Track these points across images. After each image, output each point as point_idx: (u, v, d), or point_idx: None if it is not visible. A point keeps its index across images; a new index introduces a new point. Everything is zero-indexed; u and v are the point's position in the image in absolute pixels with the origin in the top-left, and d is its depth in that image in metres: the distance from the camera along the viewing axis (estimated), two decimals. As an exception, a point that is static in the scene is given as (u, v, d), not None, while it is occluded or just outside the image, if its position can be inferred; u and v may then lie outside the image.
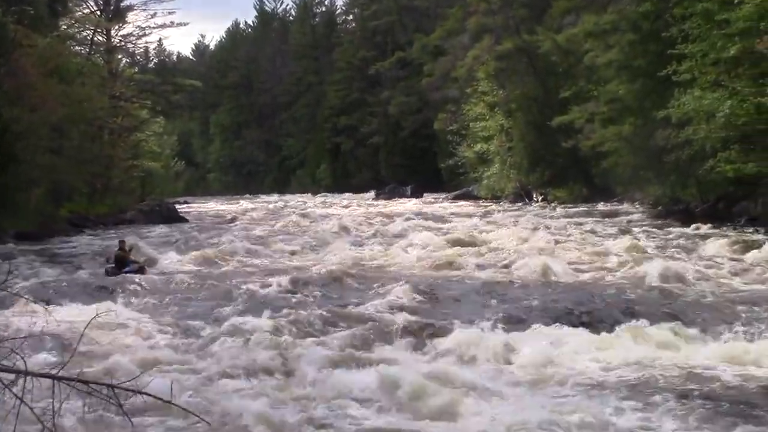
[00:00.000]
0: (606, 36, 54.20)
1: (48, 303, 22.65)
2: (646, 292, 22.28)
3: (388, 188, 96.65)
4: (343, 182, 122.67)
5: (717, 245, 32.42)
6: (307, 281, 25.63)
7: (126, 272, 26.80)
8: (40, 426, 10.13)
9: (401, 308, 21.17)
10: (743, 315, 19.20)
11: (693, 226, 40.52)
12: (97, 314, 18.10)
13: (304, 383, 14.66)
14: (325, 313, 20.50)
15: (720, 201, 43.45)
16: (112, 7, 70.59)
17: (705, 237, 35.94)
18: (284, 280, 25.72)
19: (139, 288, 25.66)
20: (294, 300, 22.59)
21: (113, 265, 27.70)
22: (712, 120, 39.92)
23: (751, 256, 28.82)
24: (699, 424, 12.05)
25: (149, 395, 10.54)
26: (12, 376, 7.48)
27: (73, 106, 50.40)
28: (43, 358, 15.55)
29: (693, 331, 17.62)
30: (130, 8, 72.07)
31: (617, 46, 52.15)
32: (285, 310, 20.83)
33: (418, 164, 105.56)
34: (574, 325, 18.59)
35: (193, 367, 15.77)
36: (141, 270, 27.38)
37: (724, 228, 39.39)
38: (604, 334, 17.77)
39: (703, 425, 12.03)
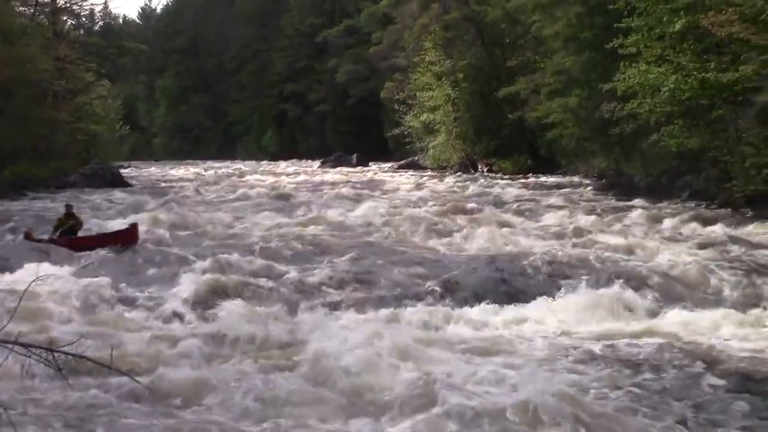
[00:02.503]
0: (553, 8, 54.35)
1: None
2: (574, 263, 22.44)
3: (334, 156, 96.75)
4: (289, 149, 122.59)
5: (655, 218, 32.88)
6: (247, 248, 25.68)
7: (105, 235, 24.77)
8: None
9: (343, 279, 21.33)
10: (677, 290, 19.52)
11: (635, 199, 40.97)
12: (37, 277, 18.16)
13: (244, 350, 14.72)
14: (263, 280, 20.65)
15: (663, 175, 43.70)
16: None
17: (645, 210, 36.28)
18: (226, 246, 25.79)
19: (82, 252, 25.62)
20: (234, 266, 22.56)
21: (54, 232, 24.75)
22: (657, 94, 40.10)
23: (688, 229, 29.31)
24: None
25: (88, 359, 10.54)
26: None
27: (17, 67, 50.06)
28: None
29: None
30: (75, -31, 71.62)
31: (564, 18, 52.33)
32: (226, 277, 20.90)
33: (364, 133, 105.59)
34: (502, 298, 18.86)
35: (134, 333, 15.77)
36: (133, 231, 24.52)
37: (666, 201, 39.74)
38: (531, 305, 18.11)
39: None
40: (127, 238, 23.25)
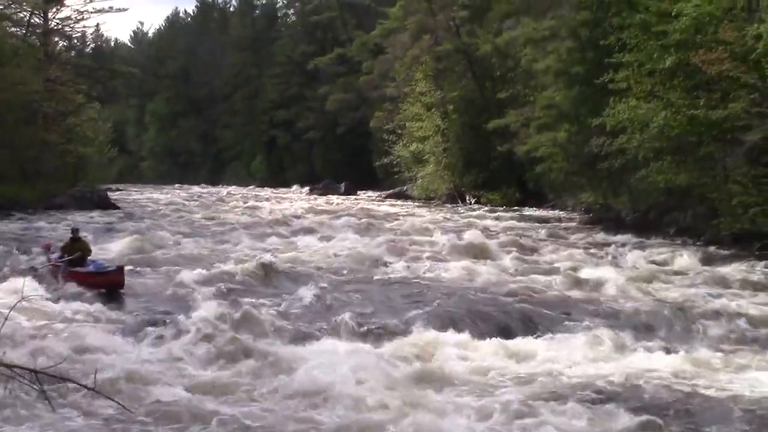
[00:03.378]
0: (544, 42, 54.51)
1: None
2: (556, 300, 22.45)
3: (322, 184, 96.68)
4: (278, 176, 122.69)
5: (641, 255, 32.86)
6: (234, 274, 25.61)
7: (90, 272, 21.63)
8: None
9: (328, 306, 21.29)
10: (655, 327, 19.54)
11: (622, 235, 41.02)
12: (22, 298, 18.08)
13: (228, 379, 14.71)
14: (251, 307, 20.47)
15: (651, 210, 43.83)
16: (48, -9, 69.99)
17: (631, 245, 36.31)
18: (213, 271, 25.75)
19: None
20: (221, 293, 22.58)
21: (62, 261, 21.98)
22: (646, 130, 40.22)
23: (674, 266, 29.34)
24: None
25: (72, 381, 10.49)
26: None
27: (8, 88, 50.12)
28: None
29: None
30: (66, -7, 71.56)
31: (555, 52, 52.46)
32: (213, 302, 20.86)
33: (353, 161, 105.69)
34: (488, 333, 18.76)
35: (119, 356, 15.70)
36: (119, 273, 21.51)
37: (653, 237, 39.78)
38: (517, 339, 18.17)
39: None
40: (112, 279, 21.50)
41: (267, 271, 26.27)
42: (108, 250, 31.59)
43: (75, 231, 23.06)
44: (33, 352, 14.95)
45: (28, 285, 22.76)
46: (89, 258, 21.93)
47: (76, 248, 21.72)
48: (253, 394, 13.91)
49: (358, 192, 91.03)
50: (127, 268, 23.13)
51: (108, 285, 21.47)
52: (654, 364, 16.27)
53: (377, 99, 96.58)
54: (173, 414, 12.79)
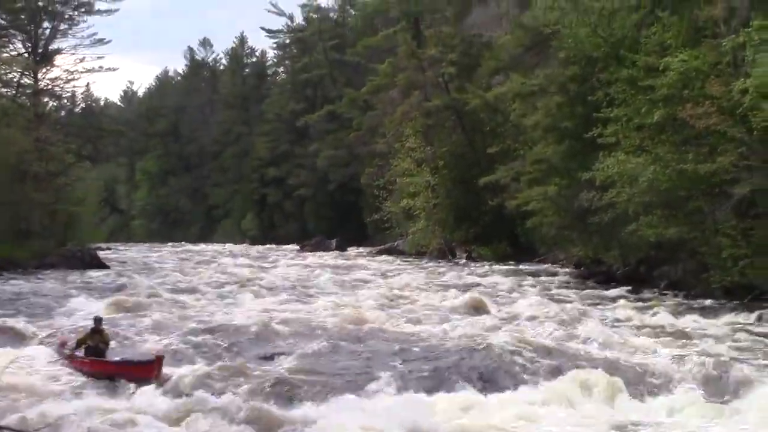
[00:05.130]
0: (533, 97, 54.76)
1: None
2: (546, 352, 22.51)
3: (313, 241, 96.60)
4: (269, 233, 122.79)
5: (630, 309, 32.95)
6: (222, 333, 25.59)
7: (118, 364, 18.65)
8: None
9: (311, 366, 21.32)
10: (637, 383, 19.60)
11: (613, 289, 41.15)
12: (10, 362, 18.14)
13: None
14: (236, 365, 20.59)
15: (641, 264, 43.91)
16: (40, 50, 70.15)
17: (621, 300, 36.42)
18: (200, 331, 25.70)
19: (53, 334, 25.51)
20: (208, 351, 22.63)
21: (84, 349, 19.43)
22: (635, 184, 40.35)
23: (664, 320, 29.44)
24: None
25: None
26: None
27: (-2, 149, 50.36)
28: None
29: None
30: (58, 51, 71.91)
31: (544, 107, 52.68)
32: (198, 361, 21.10)
33: (344, 217, 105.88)
34: (484, 387, 18.86)
35: (106, 416, 15.74)
36: (157, 364, 18.35)
37: (644, 291, 39.87)
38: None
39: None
40: (147, 371, 18.16)
41: (248, 331, 26.23)
42: (92, 312, 31.04)
43: (97, 321, 20.21)
44: (24, 413, 14.88)
45: (15, 346, 23.00)
46: (114, 353, 19.63)
47: (96, 340, 19.32)
48: None
49: (349, 248, 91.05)
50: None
51: (142, 373, 18.28)
52: (637, 414, 16.54)
53: (367, 155, 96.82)
54: None
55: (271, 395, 18.11)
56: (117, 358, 18.53)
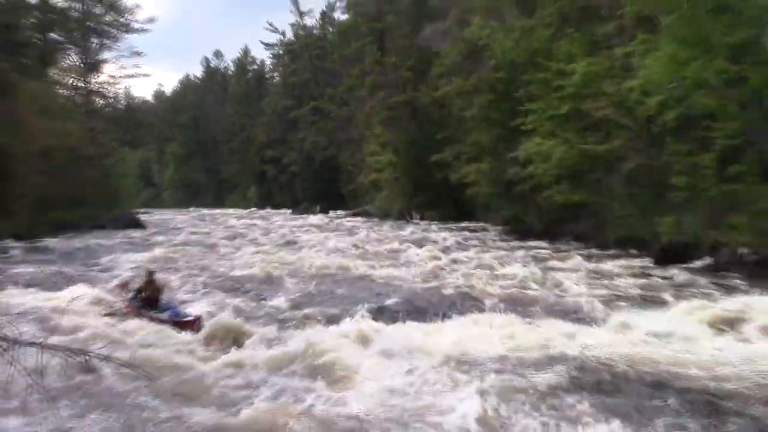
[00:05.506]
0: (470, 95, 54.72)
1: (36, 287, 22.54)
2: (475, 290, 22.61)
3: (302, 206, 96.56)
4: (267, 200, 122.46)
5: (544, 256, 33.27)
6: (235, 277, 25.65)
7: (166, 317, 17.46)
8: (26, 387, 10.07)
9: (302, 301, 21.39)
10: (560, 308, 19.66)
11: (532, 241, 41.30)
12: (72, 299, 18.05)
13: (237, 351, 14.74)
14: (251, 302, 20.71)
15: (553, 222, 44.02)
16: (90, 61, 69.68)
17: (537, 249, 36.64)
18: (217, 276, 25.76)
19: (107, 276, 25.52)
20: (225, 290, 22.63)
21: (138, 300, 18.59)
22: (549, 161, 40.53)
23: (569, 264, 29.67)
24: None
25: (114, 360, 10.57)
26: (6, 344, 7.46)
27: (58, 137, 50.13)
28: (31, 331, 15.27)
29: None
30: (104, 61, 71.31)
31: (478, 103, 52.69)
32: (217, 298, 21.08)
33: (326, 188, 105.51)
34: (424, 317, 18.77)
35: (149, 341, 15.69)
36: (190, 324, 17.12)
37: (556, 243, 40.06)
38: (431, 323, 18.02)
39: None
40: (190, 327, 17.31)
41: (253, 276, 26.31)
42: (135, 261, 31.39)
43: (150, 273, 19.19)
44: (85, 339, 14.91)
45: (78, 285, 22.91)
46: (165, 301, 18.47)
47: (150, 289, 18.58)
48: (266, 364, 13.87)
49: (330, 212, 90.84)
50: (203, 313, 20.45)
51: (187, 328, 17.50)
52: (552, 334, 16.40)
53: (343, 140, 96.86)
54: (189, 385, 12.80)
55: (276, 321, 18.21)
56: (167, 314, 17.56)
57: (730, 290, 21.91)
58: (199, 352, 14.91)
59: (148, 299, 18.07)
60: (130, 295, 18.79)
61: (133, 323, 17.03)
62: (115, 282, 20.38)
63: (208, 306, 19.54)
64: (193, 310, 18.37)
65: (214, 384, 12.65)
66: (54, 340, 8.58)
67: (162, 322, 17.01)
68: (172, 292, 20.17)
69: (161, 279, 19.48)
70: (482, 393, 11.90)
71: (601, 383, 12.66)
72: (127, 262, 31.15)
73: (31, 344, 7.80)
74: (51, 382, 11.01)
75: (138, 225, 61.14)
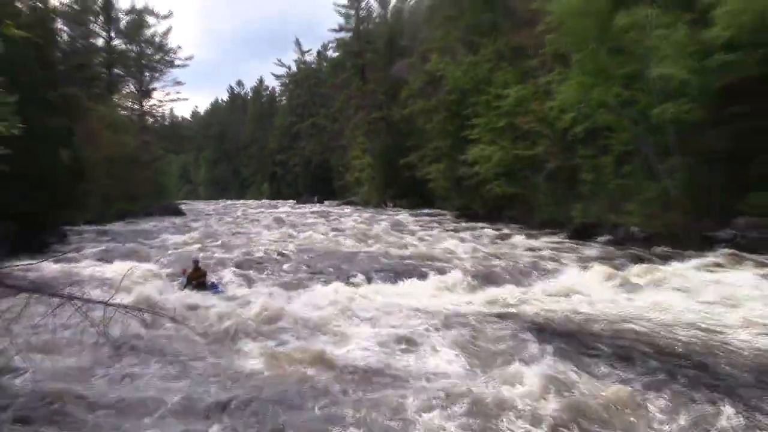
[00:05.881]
0: (431, 113, 54.78)
1: (103, 260, 22.62)
2: (430, 258, 22.80)
3: (303, 197, 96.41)
4: (277, 194, 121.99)
5: (485, 233, 33.36)
6: (255, 252, 25.65)
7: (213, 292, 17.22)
8: (94, 337, 10.16)
9: (303, 268, 21.53)
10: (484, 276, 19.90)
11: (477, 223, 41.44)
12: (129, 270, 18.13)
13: (260, 300, 14.62)
14: (263, 270, 20.72)
15: (493, 209, 44.18)
16: (143, 89, 69.67)
17: (480, 228, 36.81)
18: (243, 252, 25.81)
19: (155, 253, 25.57)
20: (248, 262, 22.66)
21: (188, 285, 17.84)
22: (490, 162, 40.71)
23: (506, 241, 29.83)
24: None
25: (160, 314, 10.71)
26: (79, 303, 7.60)
27: (118, 146, 50.25)
28: (98, 292, 15.35)
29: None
30: (154, 89, 71.10)
31: (437, 119, 52.74)
32: (244, 261, 21.11)
33: (321, 184, 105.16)
34: (391, 279, 18.91)
35: (190, 301, 15.82)
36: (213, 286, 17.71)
37: (494, 224, 40.22)
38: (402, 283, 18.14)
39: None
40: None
41: (270, 253, 26.38)
42: (177, 241, 31.31)
43: (196, 261, 18.67)
44: (141, 299, 14.81)
45: (137, 260, 22.98)
46: (210, 282, 17.92)
47: (197, 275, 17.91)
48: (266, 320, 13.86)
49: (325, 202, 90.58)
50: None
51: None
52: (467, 296, 16.53)
53: (334, 147, 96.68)
54: (221, 331, 12.84)
55: (284, 286, 18.18)
56: (210, 293, 16.98)
57: (625, 258, 22.25)
58: (223, 308, 14.77)
59: (196, 282, 17.64)
60: (184, 281, 18.04)
61: (182, 293, 16.92)
62: (181, 268, 19.31)
63: (233, 276, 19.68)
64: (226, 283, 18.33)
65: (236, 334, 12.75)
66: (115, 300, 8.74)
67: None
68: (214, 272, 19.83)
69: (204, 265, 19.10)
70: (444, 337, 12.13)
71: (532, 329, 12.86)
72: (171, 241, 31.24)
73: (98, 302, 7.92)
74: (113, 333, 11.06)
75: (179, 212, 60.98)
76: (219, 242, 29.99)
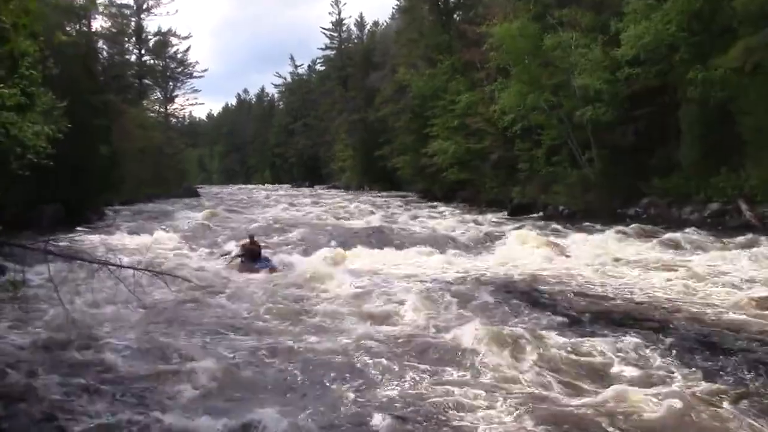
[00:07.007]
0: (399, 114, 54.62)
1: (134, 233, 22.44)
2: (400, 232, 22.82)
3: (297, 183, 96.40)
4: (276, 180, 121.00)
5: (444, 212, 33.39)
6: (260, 226, 25.50)
7: (258, 267, 15.29)
8: (126, 298, 9.93)
9: (299, 238, 21.44)
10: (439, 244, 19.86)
11: (436, 203, 41.50)
12: (153, 240, 17.81)
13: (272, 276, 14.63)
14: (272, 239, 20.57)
15: (449, 191, 44.18)
16: (168, 96, 69.01)
17: (438, 207, 36.89)
18: (248, 222, 25.67)
19: (177, 227, 25.37)
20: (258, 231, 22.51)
21: (242, 256, 15.97)
22: (446, 154, 40.71)
23: (460, 218, 29.90)
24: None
25: (182, 278, 10.57)
26: (114, 268, 7.43)
27: (147, 141, 49.92)
28: (129, 259, 15.19)
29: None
30: (176, 96, 70.09)
31: (404, 119, 52.58)
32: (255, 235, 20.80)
33: (312, 172, 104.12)
34: (373, 246, 18.67)
35: (208, 265, 15.71)
36: (273, 270, 15.21)
37: (450, 204, 40.30)
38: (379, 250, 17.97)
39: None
40: (273, 271, 15.05)
41: (271, 224, 26.25)
42: (194, 218, 30.59)
43: (251, 236, 16.65)
44: (168, 266, 14.59)
45: (161, 231, 22.74)
46: (264, 257, 16.01)
47: (251, 248, 15.96)
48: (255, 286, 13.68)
49: (315, 186, 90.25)
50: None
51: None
52: (427, 261, 16.54)
53: (322, 142, 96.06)
54: (228, 290, 12.64)
55: (287, 251, 17.85)
56: (258, 265, 15.24)
57: (554, 230, 22.42)
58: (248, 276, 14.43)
59: (250, 254, 15.77)
60: (237, 251, 16.40)
61: (207, 263, 16.33)
62: (224, 254, 17.36)
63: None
64: (276, 260, 16.29)
65: (248, 290, 12.69)
66: (143, 265, 8.61)
67: (254, 270, 15.03)
68: (270, 249, 17.98)
69: (259, 242, 16.83)
70: (407, 293, 12.12)
71: (477, 287, 12.80)
72: (191, 217, 30.92)
73: (129, 267, 7.80)
74: (142, 295, 10.82)
75: (197, 194, 60.55)
76: (230, 218, 29.83)
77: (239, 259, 15.82)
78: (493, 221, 27.36)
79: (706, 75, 22.38)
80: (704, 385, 6.83)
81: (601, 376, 7.47)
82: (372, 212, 32.95)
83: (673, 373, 7.38)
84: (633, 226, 21.39)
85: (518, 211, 30.94)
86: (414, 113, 49.34)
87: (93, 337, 9.05)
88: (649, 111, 26.83)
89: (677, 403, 6.29)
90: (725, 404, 6.31)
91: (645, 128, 27.31)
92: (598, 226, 22.05)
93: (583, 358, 7.95)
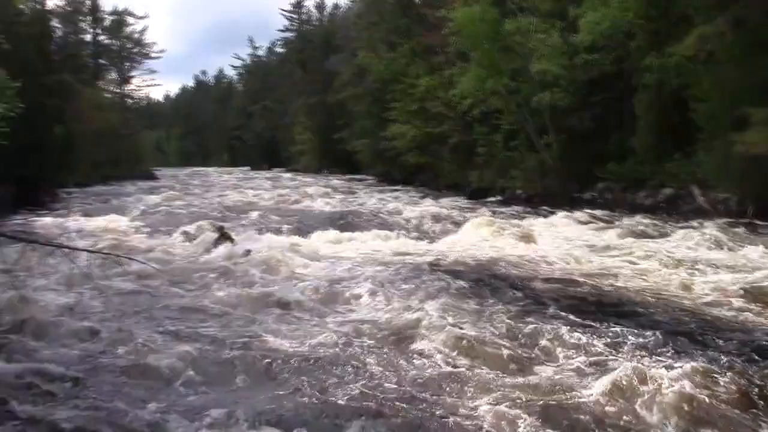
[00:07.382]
0: (359, 98, 54.40)
1: (89, 216, 21.87)
2: (360, 214, 22.70)
3: (256, 165, 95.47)
4: (234, 163, 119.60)
5: (402, 195, 33.42)
6: (225, 207, 25.20)
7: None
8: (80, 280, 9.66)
9: (258, 221, 21.16)
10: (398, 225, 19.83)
11: (395, 186, 41.51)
12: (107, 222, 17.32)
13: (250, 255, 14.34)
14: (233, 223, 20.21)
15: (408, 175, 44.34)
16: (124, 76, 67.42)
17: (398, 191, 36.90)
18: (213, 208, 25.30)
19: (134, 209, 24.84)
20: (220, 215, 22.16)
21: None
22: (405, 138, 40.67)
23: (418, 201, 29.92)
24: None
25: (138, 261, 10.29)
26: (68, 250, 7.20)
27: (103, 122, 48.87)
28: (84, 242, 14.75)
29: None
30: (132, 76, 68.46)
31: (365, 103, 52.42)
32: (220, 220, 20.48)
33: (271, 155, 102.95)
34: (339, 229, 18.36)
35: (166, 249, 15.34)
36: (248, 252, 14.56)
37: (409, 187, 40.39)
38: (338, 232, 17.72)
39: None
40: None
41: (229, 207, 25.90)
42: (154, 198, 30.20)
43: (221, 228, 16.55)
44: (119, 247, 14.03)
45: (115, 214, 22.13)
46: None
47: (225, 238, 15.54)
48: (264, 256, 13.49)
49: (273, 169, 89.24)
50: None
51: None
52: (385, 245, 16.58)
53: (281, 125, 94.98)
54: (195, 277, 12.33)
55: (247, 235, 17.15)
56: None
57: (511, 214, 22.54)
58: (203, 255, 14.16)
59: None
60: (214, 235, 16.01)
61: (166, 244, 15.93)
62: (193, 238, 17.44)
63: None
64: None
65: (208, 275, 12.34)
66: (98, 249, 8.27)
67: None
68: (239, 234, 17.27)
69: (228, 230, 16.53)
70: (371, 279, 12.02)
71: (432, 270, 12.76)
72: (148, 199, 30.33)
73: (84, 250, 7.56)
74: (95, 275, 10.51)
75: (153, 177, 59.09)
76: (189, 202, 29.29)
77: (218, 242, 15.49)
78: (452, 205, 27.39)
79: (661, 62, 22.64)
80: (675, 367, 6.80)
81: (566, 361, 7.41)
82: (330, 195, 32.70)
83: (632, 351, 7.36)
84: (587, 210, 21.62)
85: (477, 195, 31.09)
86: (373, 97, 49.17)
87: (47, 323, 8.64)
88: (605, 97, 27.08)
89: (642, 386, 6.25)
90: (704, 389, 6.26)
91: (601, 114, 27.58)
92: (557, 210, 22.22)
93: (546, 343, 7.88)
